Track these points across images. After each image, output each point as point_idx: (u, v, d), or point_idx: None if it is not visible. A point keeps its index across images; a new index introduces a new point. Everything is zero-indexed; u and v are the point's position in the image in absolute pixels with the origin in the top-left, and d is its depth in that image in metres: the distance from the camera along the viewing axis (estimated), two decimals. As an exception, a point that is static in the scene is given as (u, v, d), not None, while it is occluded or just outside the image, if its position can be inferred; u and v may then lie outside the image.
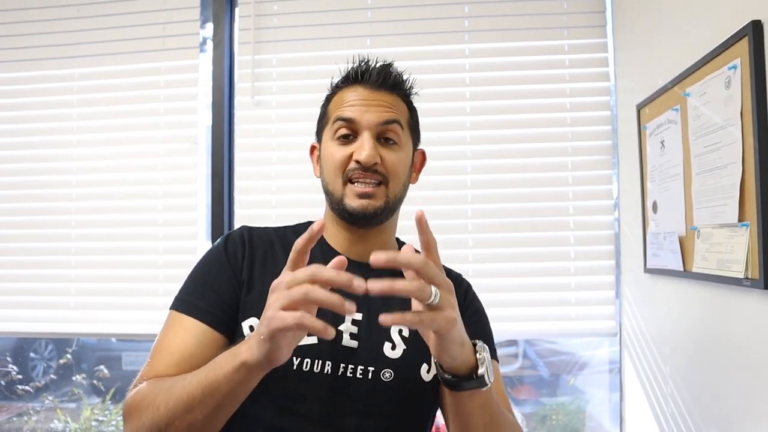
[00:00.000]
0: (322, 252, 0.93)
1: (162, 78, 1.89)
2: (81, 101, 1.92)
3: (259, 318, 0.84)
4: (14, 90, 1.94)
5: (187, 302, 0.88)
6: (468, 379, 0.72)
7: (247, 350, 0.68)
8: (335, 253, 0.89)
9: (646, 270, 1.49)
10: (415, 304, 0.66)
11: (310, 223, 0.93)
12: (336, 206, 0.92)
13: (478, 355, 0.73)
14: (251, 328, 0.87)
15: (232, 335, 0.87)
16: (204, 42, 1.93)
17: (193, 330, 0.85)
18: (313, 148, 1.02)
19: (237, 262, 0.92)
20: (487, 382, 0.73)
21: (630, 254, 1.66)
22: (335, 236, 0.97)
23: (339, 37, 1.85)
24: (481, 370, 0.72)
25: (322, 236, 0.96)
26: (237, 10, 1.92)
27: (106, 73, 1.91)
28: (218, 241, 0.96)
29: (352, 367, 0.86)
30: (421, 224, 0.66)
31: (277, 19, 1.88)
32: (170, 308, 0.89)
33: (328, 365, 0.85)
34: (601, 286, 1.76)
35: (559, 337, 2.32)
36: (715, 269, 1.11)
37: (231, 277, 0.90)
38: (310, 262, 0.66)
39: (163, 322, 0.89)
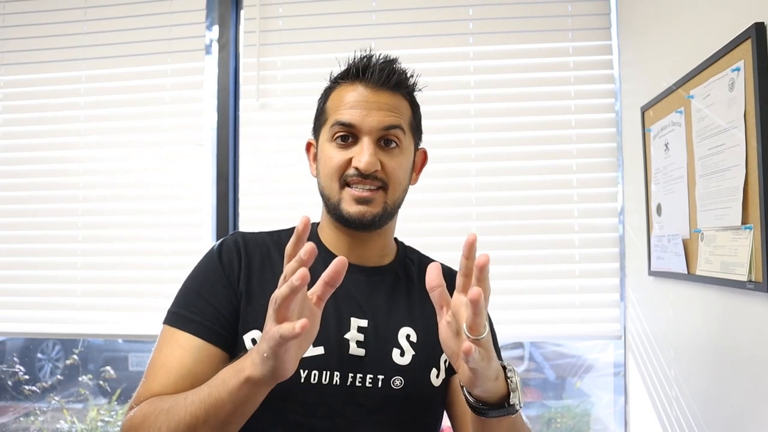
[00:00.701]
0: (321, 256, 0.88)
1: (168, 80, 1.91)
2: (88, 103, 1.93)
3: (261, 330, 0.83)
4: (21, 92, 1.95)
5: (181, 316, 0.83)
6: (498, 407, 0.69)
7: (251, 366, 0.65)
8: (334, 257, 0.87)
9: (650, 273, 1.48)
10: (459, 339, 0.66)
11: None
12: (332, 210, 0.89)
13: (509, 381, 0.70)
14: (254, 341, 0.83)
15: (232, 349, 0.84)
16: (210, 44, 1.94)
17: (189, 346, 0.81)
18: (309, 145, 0.97)
19: (233, 271, 0.87)
20: (518, 409, 0.70)
21: (634, 257, 1.65)
22: (333, 240, 0.93)
23: (344, 39, 1.85)
24: (513, 400, 0.69)
25: (320, 240, 0.93)
26: (242, 13, 1.92)
27: (112, 76, 1.92)
28: (211, 249, 0.91)
29: (361, 376, 0.83)
30: (472, 250, 0.67)
31: (282, 22, 1.89)
32: (163, 323, 0.85)
33: (337, 376, 0.82)
34: (606, 288, 1.75)
35: (563, 340, 2.32)
36: (718, 272, 1.11)
37: (227, 288, 0.86)
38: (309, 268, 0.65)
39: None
